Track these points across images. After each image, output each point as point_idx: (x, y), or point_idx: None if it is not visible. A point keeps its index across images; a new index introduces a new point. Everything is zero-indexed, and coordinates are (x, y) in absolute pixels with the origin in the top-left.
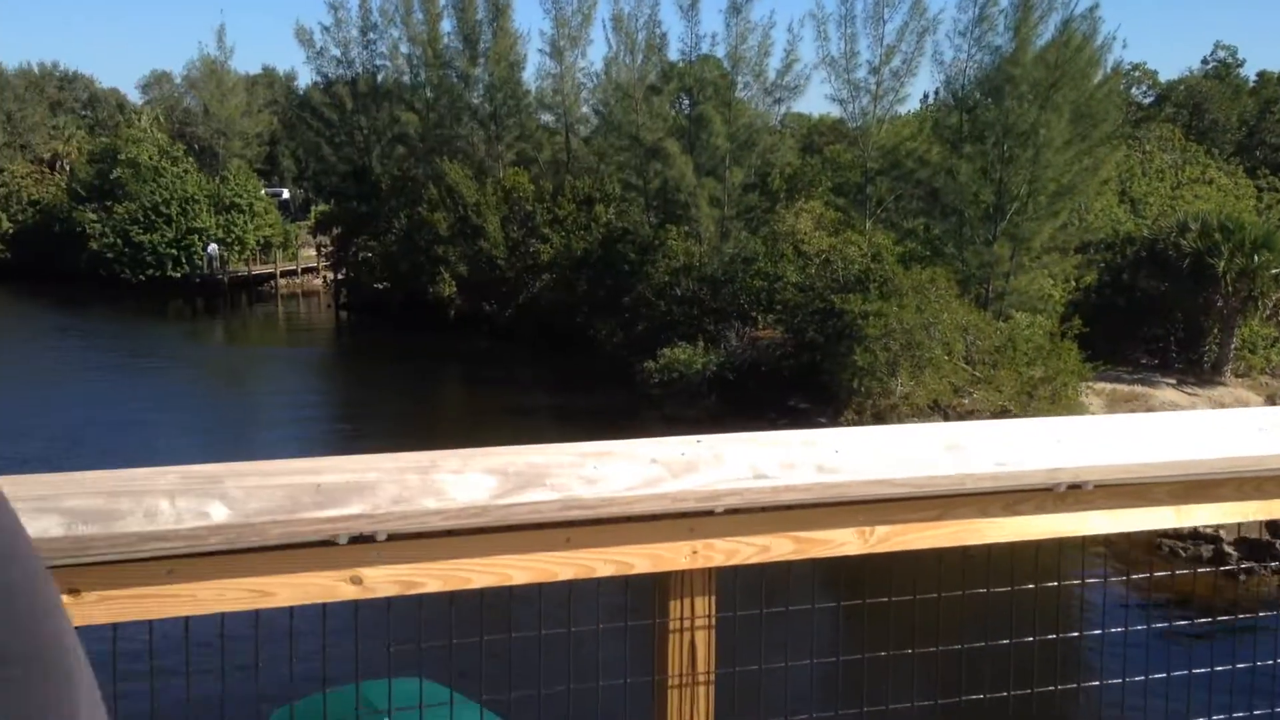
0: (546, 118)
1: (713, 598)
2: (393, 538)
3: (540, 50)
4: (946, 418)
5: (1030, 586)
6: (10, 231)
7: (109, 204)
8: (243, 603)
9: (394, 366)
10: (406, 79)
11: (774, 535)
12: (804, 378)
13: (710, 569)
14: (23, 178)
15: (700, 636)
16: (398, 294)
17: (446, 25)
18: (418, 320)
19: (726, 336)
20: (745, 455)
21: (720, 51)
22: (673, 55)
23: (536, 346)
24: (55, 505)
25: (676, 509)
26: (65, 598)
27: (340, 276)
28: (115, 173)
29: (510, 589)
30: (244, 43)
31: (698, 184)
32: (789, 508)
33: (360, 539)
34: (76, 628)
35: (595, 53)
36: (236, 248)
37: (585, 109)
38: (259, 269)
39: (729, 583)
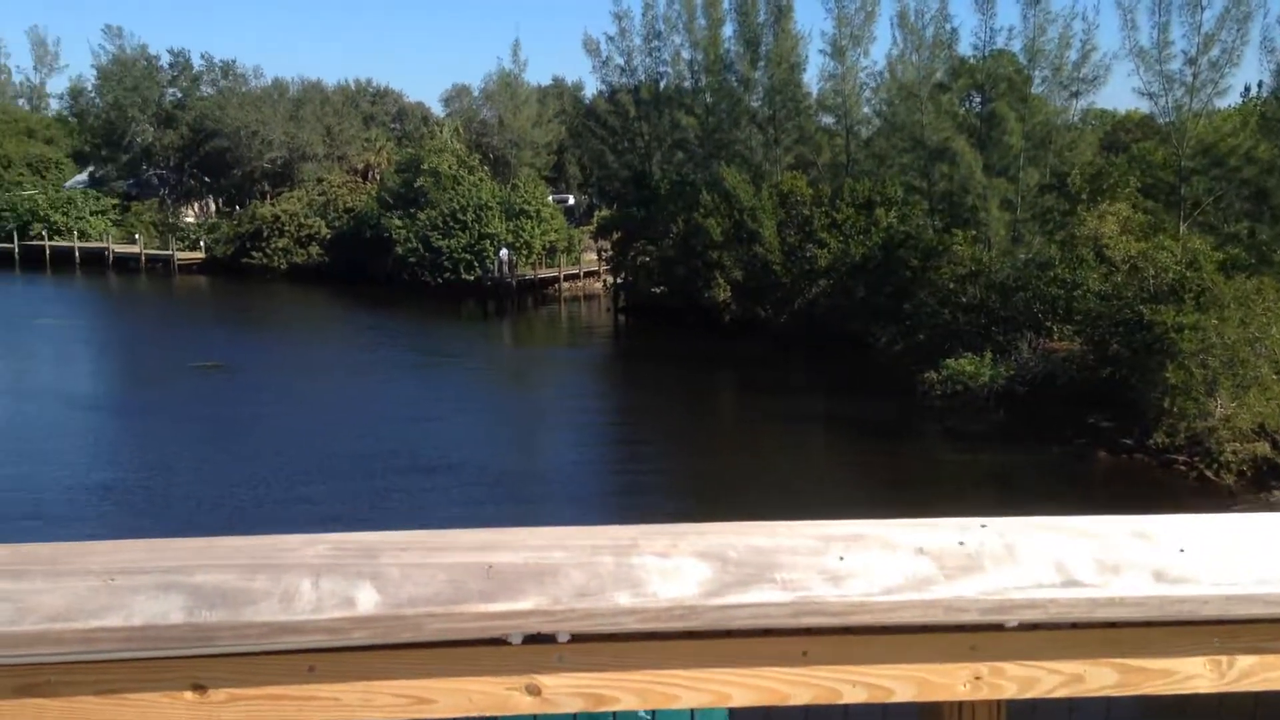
0: (826, 120)
1: None
2: (577, 638)
3: (821, 51)
4: (1275, 445)
5: None
6: (328, 237)
7: (412, 211)
8: (396, 710)
9: (669, 370)
10: (687, 84)
11: (1089, 662)
12: (1105, 394)
13: (998, 701)
14: (339, 186)
15: None
16: (674, 298)
17: (728, 30)
18: (693, 324)
19: (1017, 347)
20: (1049, 550)
21: (1016, 45)
22: (964, 50)
23: (811, 353)
24: (183, 581)
25: (952, 621)
26: (189, 694)
27: (619, 280)
28: (418, 182)
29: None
30: (536, 55)
31: (988, 185)
32: (1112, 625)
33: (538, 638)
34: None
35: (878, 51)
36: (524, 252)
37: (866, 109)
38: (544, 273)
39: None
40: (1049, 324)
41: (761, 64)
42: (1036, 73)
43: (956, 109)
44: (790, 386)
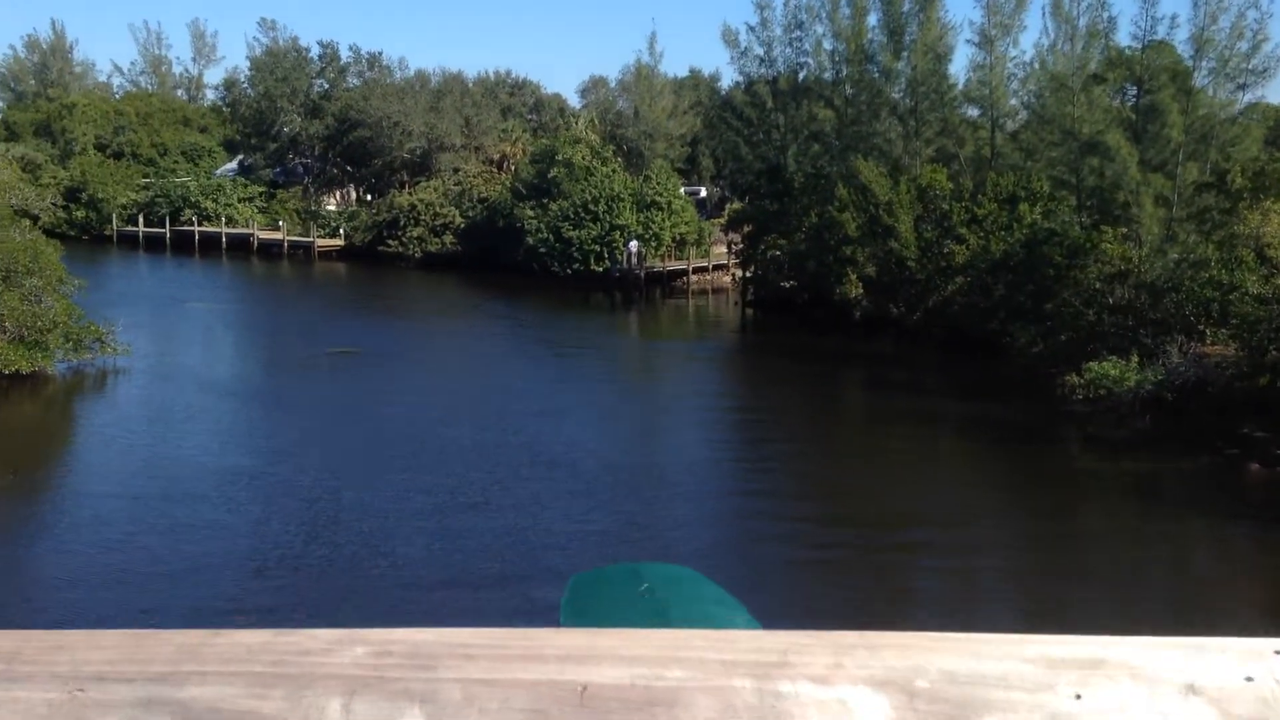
0: (971, 111)
1: None
2: None
3: (968, 40)
4: None
5: None
6: (461, 226)
7: (545, 201)
8: None
9: (796, 366)
10: (828, 75)
11: None
12: (1262, 403)
13: None
14: (474, 177)
15: None
16: (804, 293)
17: (873, 20)
18: (822, 320)
19: (1166, 351)
20: None
21: (1179, 35)
22: (1122, 40)
23: (945, 352)
24: (169, 696)
25: None
26: None
27: (748, 274)
28: (552, 172)
29: None
30: (675, 47)
31: (1142, 181)
32: None
33: None
34: None
35: (1028, 40)
36: (653, 244)
37: (1014, 101)
38: (673, 265)
39: None
40: (1202, 327)
41: (905, 54)
42: (1203, 64)
43: (1109, 102)
44: (922, 387)
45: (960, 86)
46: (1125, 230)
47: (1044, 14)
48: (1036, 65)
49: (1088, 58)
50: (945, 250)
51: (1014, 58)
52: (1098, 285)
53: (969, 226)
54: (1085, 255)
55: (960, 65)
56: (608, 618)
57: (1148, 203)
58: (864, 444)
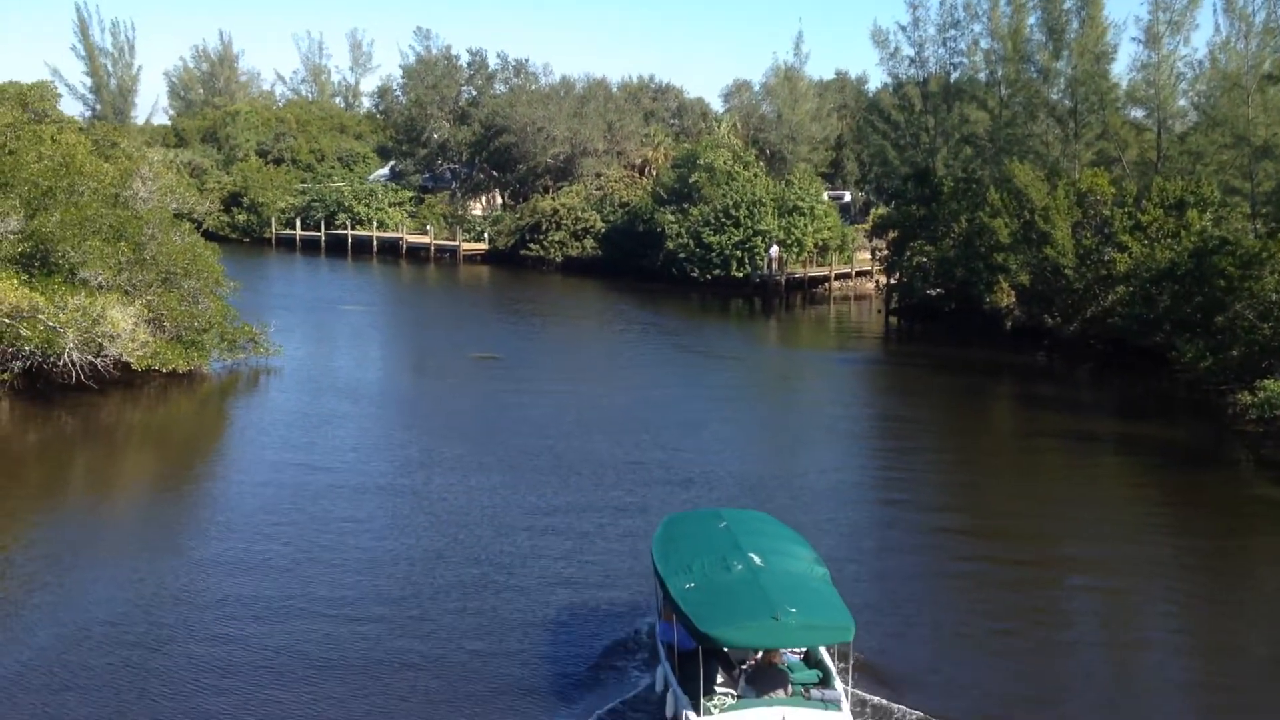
0: (1135, 113)
1: None
2: None
3: (1133, 39)
4: None
5: None
6: (602, 231)
7: (685, 206)
8: None
9: (941, 378)
10: (982, 76)
11: None
12: None
13: None
14: (616, 181)
15: None
16: (951, 301)
17: (1033, 19)
18: (970, 329)
19: None
20: None
21: None
22: None
23: (1103, 366)
24: None
25: None
26: None
27: (893, 280)
28: (693, 177)
29: None
30: (821, 48)
31: None
32: None
33: None
34: None
35: (1199, 38)
36: (795, 249)
37: (1182, 102)
38: (814, 271)
39: None
40: None
41: (1065, 53)
42: None
43: None
44: (1076, 401)
45: (1124, 87)
46: None
47: (1215, 10)
48: (1207, 64)
49: (1263, 56)
50: (1106, 258)
51: (1183, 56)
52: (1274, 297)
53: (1132, 234)
54: (1261, 266)
55: (1123, 65)
56: (688, 547)
57: None
58: (1013, 465)
